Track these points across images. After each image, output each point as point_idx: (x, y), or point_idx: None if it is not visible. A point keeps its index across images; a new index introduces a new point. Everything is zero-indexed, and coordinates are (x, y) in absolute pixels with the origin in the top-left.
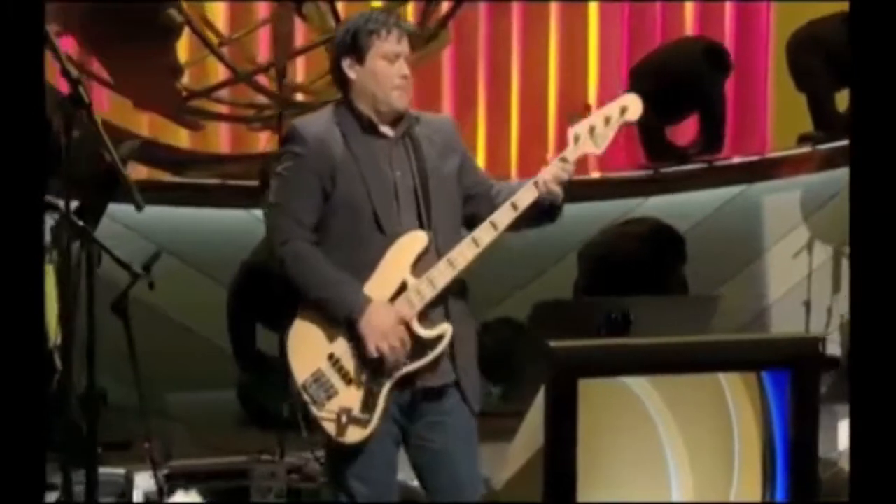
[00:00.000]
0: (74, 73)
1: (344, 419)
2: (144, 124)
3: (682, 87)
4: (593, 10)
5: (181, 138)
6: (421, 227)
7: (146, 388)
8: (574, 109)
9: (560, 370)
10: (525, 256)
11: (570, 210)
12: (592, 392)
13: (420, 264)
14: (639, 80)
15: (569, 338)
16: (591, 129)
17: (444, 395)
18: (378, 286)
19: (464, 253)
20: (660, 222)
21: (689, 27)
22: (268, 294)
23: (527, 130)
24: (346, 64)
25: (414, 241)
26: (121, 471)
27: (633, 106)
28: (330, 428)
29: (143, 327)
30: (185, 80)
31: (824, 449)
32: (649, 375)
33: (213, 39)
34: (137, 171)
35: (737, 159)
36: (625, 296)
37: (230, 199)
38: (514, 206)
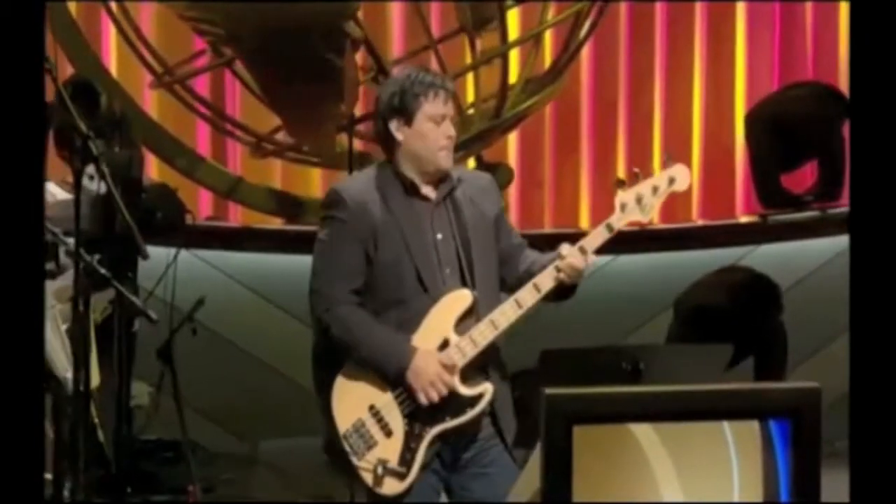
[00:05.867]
0: (83, 128)
1: (381, 471)
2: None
3: (799, 133)
4: (740, 55)
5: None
6: (464, 286)
7: (242, 433)
8: (624, 175)
9: (554, 417)
10: (634, 303)
11: (679, 257)
12: (591, 433)
13: (462, 323)
14: (754, 126)
15: (577, 387)
16: (639, 199)
17: (486, 447)
18: (421, 342)
19: (506, 313)
20: (753, 271)
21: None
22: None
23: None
24: (393, 126)
25: (459, 300)
26: None
27: (681, 177)
28: (368, 479)
29: (240, 373)
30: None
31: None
32: (644, 423)
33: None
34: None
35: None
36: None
37: None
38: (558, 269)
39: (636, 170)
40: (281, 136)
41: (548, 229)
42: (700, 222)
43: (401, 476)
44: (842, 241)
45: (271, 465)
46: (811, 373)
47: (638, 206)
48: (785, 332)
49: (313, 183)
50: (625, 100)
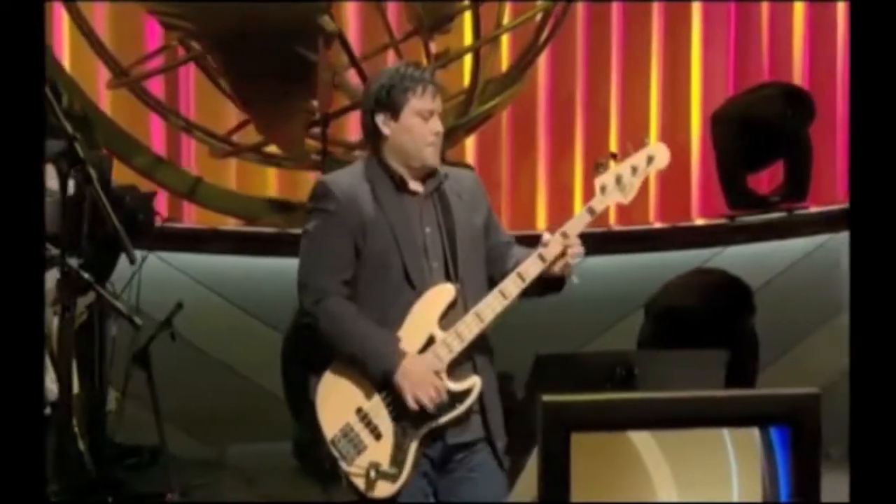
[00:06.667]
0: (69, 129)
1: (373, 474)
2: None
3: (765, 133)
4: (696, 55)
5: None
6: (449, 281)
7: (207, 438)
8: (603, 157)
9: (551, 424)
10: (598, 307)
11: (646, 259)
12: (587, 438)
13: (447, 318)
14: (720, 127)
15: (571, 392)
16: (618, 179)
17: (474, 450)
18: (406, 339)
19: (491, 306)
20: (726, 273)
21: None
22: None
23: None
24: (380, 120)
25: (441, 294)
26: None
27: (660, 155)
28: (359, 483)
29: (203, 377)
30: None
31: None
32: (643, 430)
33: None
34: (214, 220)
35: (820, 208)
36: (659, 348)
37: (293, 248)
38: (542, 258)
39: (614, 151)
40: (237, 137)
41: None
42: (657, 224)
43: (393, 478)
44: (809, 243)
45: (239, 470)
46: (780, 374)
47: (618, 187)
48: (756, 335)
49: (269, 184)
50: (581, 101)
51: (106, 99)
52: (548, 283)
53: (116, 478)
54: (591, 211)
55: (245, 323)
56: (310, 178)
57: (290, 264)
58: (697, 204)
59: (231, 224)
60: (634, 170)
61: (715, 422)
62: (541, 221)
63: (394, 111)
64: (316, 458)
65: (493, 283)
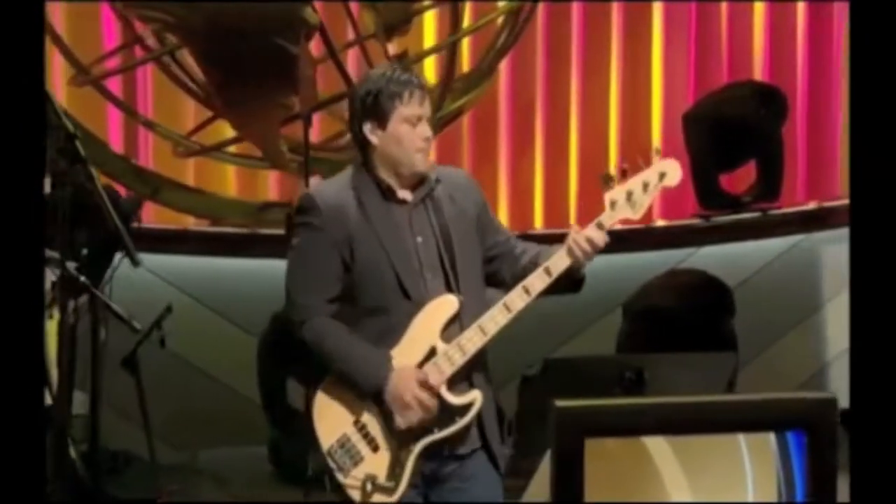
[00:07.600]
0: (70, 127)
1: (369, 487)
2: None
3: (737, 132)
4: (657, 55)
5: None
6: (449, 291)
7: (179, 442)
8: (609, 172)
9: (565, 430)
10: (572, 309)
11: (619, 260)
12: (600, 442)
13: (449, 329)
14: (693, 126)
15: (580, 397)
16: (629, 195)
17: (469, 459)
18: (407, 351)
19: (495, 318)
20: (706, 274)
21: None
22: (299, 348)
23: (586, 174)
24: (367, 128)
25: (444, 306)
26: None
27: (672, 172)
28: (355, 495)
29: (175, 380)
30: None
31: None
32: (657, 436)
33: None
34: (174, 220)
35: (793, 208)
36: (659, 351)
37: (263, 248)
38: (548, 272)
39: (625, 166)
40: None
41: None
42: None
43: (390, 491)
44: (783, 243)
45: (213, 474)
46: (756, 375)
47: (628, 203)
48: (735, 335)
49: (228, 182)
50: (541, 101)
51: (62, 97)
52: (565, 285)
53: (104, 484)
54: (599, 226)
55: (217, 325)
56: (271, 176)
57: (261, 265)
58: (659, 204)
59: (192, 223)
60: (646, 186)
61: (730, 427)
62: (503, 223)
63: (381, 119)
64: (292, 462)
65: (500, 279)
